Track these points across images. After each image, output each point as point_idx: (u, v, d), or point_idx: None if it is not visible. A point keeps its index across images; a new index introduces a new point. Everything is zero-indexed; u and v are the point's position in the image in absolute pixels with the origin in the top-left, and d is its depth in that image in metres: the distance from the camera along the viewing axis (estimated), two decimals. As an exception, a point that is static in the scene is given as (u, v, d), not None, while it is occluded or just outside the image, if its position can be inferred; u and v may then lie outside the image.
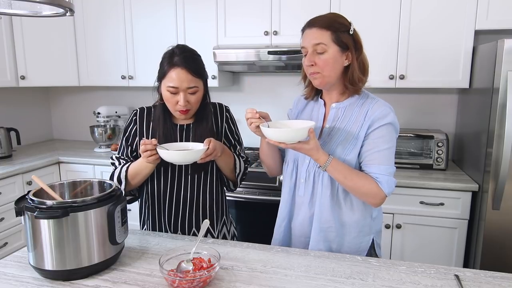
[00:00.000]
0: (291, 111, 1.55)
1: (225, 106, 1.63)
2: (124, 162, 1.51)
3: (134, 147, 1.54)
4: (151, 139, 1.39)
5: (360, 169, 1.34)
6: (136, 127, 1.55)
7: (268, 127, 1.25)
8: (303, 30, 1.34)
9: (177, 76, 1.37)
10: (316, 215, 1.36)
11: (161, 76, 1.43)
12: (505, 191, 1.96)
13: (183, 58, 1.39)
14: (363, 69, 1.35)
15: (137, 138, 1.54)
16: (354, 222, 1.36)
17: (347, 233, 1.37)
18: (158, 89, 1.49)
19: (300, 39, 1.35)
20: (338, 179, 1.29)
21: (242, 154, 1.62)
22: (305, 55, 1.32)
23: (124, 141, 1.55)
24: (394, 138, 1.33)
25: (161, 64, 1.43)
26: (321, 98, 1.43)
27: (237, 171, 1.55)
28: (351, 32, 1.29)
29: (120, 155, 1.54)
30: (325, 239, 1.37)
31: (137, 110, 1.58)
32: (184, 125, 1.54)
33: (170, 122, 1.52)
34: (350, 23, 1.30)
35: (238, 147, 1.62)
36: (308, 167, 1.37)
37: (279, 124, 1.31)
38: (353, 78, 1.32)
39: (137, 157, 1.52)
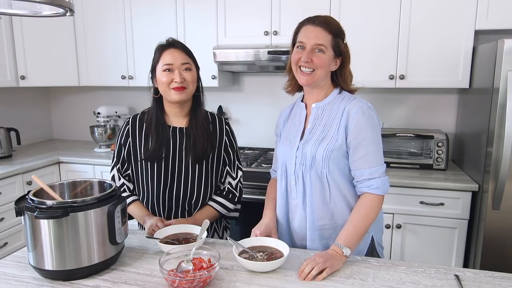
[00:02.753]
0: (276, 126, 1.57)
1: (225, 119, 1.64)
2: (124, 188, 1.58)
3: (128, 159, 1.58)
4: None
5: (349, 169, 1.34)
6: (129, 139, 1.57)
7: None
8: (303, 24, 1.35)
9: (171, 54, 1.46)
10: (309, 214, 1.36)
11: (156, 62, 1.48)
12: (505, 191, 1.96)
13: (174, 41, 1.51)
14: (349, 79, 1.41)
15: (132, 151, 1.57)
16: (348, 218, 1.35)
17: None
18: (152, 81, 1.52)
19: (297, 32, 1.37)
20: (359, 234, 1.28)
21: (239, 165, 1.64)
22: (299, 47, 1.34)
23: (117, 152, 1.59)
24: (379, 135, 1.33)
25: (154, 55, 1.50)
26: (302, 101, 1.46)
27: (226, 212, 1.59)
28: (345, 41, 1.36)
29: (115, 167, 1.59)
30: (321, 237, 1.37)
31: (129, 119, 1.60)
32: (177, 127, 1.54)
33: (163, 124, 1.53)
34: (344, 34, 1.37)
35: (237, 162, 1.63)
36: (295, 169, 1.37)
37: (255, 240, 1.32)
38: (345, 80, 1.39)
39: (129, 167, 1.59)
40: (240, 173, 1.63)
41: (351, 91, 1.41)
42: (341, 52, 1.35)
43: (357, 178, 1.32)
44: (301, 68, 1.33)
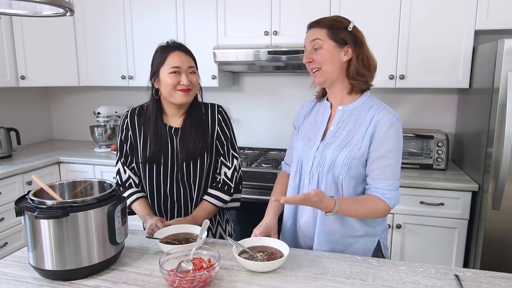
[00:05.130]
0: (296, 118, 1.54)
1: (218, 107, 1.61)
2: (130, 182, 1.59)
3: (130, 151, 1.59)
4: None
5: (365, 177, 1.33)
6: (129, 133, 1.57)
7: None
8: (306, 33, 1.36)
9: (178, 57, 1.47)
10: (320, 218, 1.35)
11: (159, 64, 1.47)
12: (505, 191, 1.96)
13: (177, 44, 1.52)
14: (367, 64, 1.33)
15: (132, 143, 1.57)
16: (359, 225, 1.35)
17: (351, 235, 1.36)
18: (153, 82, 1.51)
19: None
20: (351, 214, 1.28)
21: (234, 154, 1.61)
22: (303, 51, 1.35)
23: (119, 146, 1.60)
24: (401, 148, 1.31)
25: (155, 56, 1.50)
26: (327, 100, 1.43)
27: (222, 204, 1.58)
28: (349, 29, 1.30)
29: (120, 161, 1.60)
30: (329, 240, 1.36)
31: (127, 112, 1.60)
32: (173, 127, 1.55)
33: (161, 123, 1.53)
34: (349, 22, 1.32)
35: (231, 151, 1.60)
36: (311, 169, 1.36)
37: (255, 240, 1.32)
38: (353, 72, 1.31)
39: (133, 160, 1.59)
40: (235, 161, 1.60)
41: (360, 85, 1.34)
42: (346, 39, 1.29)
43: (371, 183, 1.31)
44: (312, 70, 1.34)
